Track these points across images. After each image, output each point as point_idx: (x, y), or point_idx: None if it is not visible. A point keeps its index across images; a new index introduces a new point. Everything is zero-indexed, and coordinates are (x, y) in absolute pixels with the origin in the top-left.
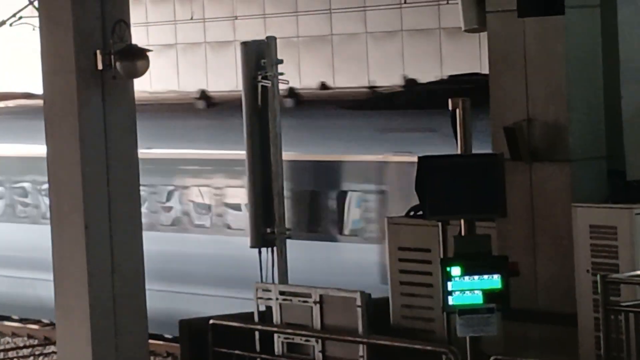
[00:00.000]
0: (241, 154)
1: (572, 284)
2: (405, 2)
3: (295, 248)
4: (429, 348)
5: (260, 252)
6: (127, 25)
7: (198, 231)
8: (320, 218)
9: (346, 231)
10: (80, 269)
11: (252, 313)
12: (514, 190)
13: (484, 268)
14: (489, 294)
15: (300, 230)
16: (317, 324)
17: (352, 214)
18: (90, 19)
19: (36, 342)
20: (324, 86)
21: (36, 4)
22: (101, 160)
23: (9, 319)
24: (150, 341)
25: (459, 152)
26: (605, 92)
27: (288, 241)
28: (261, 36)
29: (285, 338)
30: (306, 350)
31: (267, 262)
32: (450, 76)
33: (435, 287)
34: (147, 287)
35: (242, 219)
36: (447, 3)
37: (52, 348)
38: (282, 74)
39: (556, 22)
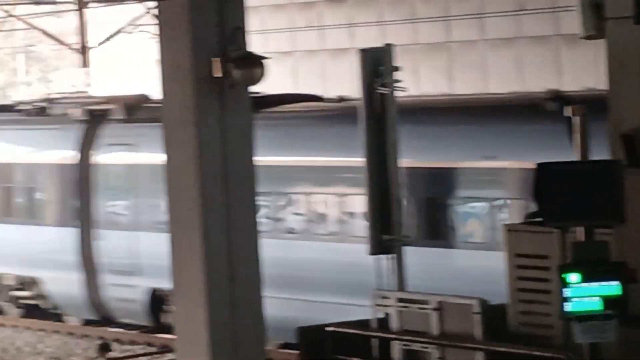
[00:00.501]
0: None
1: None
2: (523, 9)
3: None
4: (547, 354)
5: (378, 260)
6: (245, 32)
7: None
8: None
9: None
10: (198, 276)
11: (370, 320)
12: (632, 197)
13: (603, 274)
14: (607, 300)
15: None
16: (435, 330)
17: None
18: (208, 27)
19: (154, 349)
20: None
21: (155, 12)
22: (219, 168)
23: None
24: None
25: (577, 158)
26: None
27: None
28: (379, 43)
29: (404, 345)
30: (424, 357)
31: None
32: None
33: (553, 293)
34: None
35: None
36: (566, 10)
37: (169, 356)
38: (399, 81)
39: None
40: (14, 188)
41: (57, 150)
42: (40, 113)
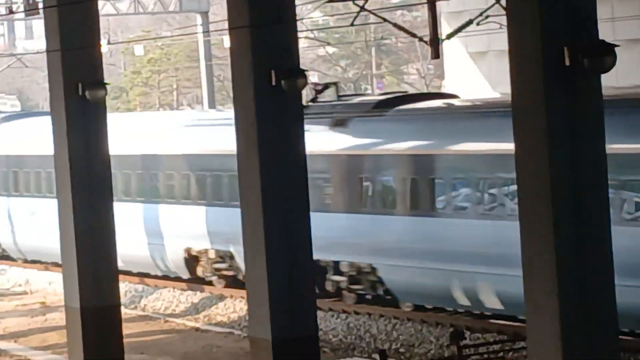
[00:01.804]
0: None
1: None
2: None
3: None
4: None
5: None
6: (594, 21)
7: None
8: None
9: None
10: (549, 266)
11: None
12: None
13: None
14: None
15: None
16: None
17: None
18: (557, 16)
19: (505, 337)
20: None
21: (503, 2)
22: (568, 157)
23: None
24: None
25: None
26: None
27: None
28: None
29: None
30: None
31: None
32: None
33: None
34: None
35: None
36: None
37: (521, 344)
38: None
39: None
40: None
41: None
42: None
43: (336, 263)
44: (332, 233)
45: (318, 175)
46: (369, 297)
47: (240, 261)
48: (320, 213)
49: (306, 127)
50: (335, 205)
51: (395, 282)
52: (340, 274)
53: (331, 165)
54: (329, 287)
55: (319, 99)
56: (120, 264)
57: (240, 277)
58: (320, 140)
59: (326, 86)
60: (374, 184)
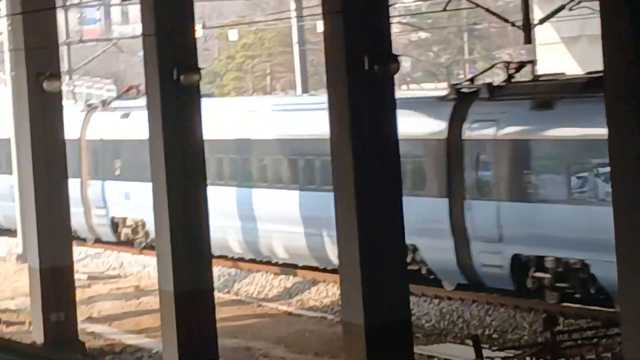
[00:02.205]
0: None
1: None
2: None
3: None
4: None
5: None
6: None
7: None
8: None
9: None
10: None
11: None
12: None
13: None
14: None
15: None
16: None
17: None
18: None
19: (599, 323)
20: None
21: None
22: None
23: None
24: None
25: None
26: None
27: None
28: None
29: None
30: None
31: None
32: None
33: None
34: None
35: None
36: None
37: (615, 330)
38: None
39: None
40: None
41: None
42: None
43: (540, 258)
44: (536, 225)
45: (519, 163)
46: (577, 296)
47: (422, 254)
48: (521, 203)
49: (501, 109)
50: (539, 195)
51: (613, 280)
52: (544, 270)
53: (535, 151)
54: (529, 284)
55: (513, 79)
56: (285, 257)
57: (424, 271)
58: (520, 123)
59: (522, 65)
60: (588, 172)
